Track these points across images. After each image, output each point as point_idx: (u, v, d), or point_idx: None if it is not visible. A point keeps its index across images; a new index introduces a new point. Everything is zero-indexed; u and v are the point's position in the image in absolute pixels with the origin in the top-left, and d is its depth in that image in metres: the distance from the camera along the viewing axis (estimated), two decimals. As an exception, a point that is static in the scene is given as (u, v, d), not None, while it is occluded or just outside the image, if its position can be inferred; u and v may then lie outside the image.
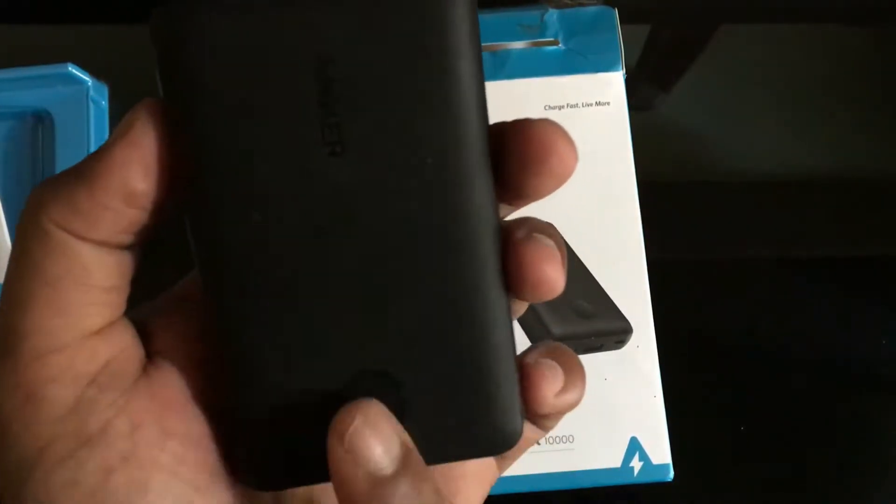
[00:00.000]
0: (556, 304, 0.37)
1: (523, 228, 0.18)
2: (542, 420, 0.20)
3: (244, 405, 0.18)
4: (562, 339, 0.37)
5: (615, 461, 0.36)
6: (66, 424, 0.16)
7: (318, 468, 0.17)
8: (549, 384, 0.19)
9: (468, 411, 0.18)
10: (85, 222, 0.16)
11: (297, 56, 0.16)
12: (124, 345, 0.18)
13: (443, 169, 0.17)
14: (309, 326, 0.17)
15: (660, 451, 0.36)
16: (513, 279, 0.18)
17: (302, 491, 0.20)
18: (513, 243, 0.18)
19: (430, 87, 0.16)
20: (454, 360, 0.18)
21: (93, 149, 0.41)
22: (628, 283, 0.38)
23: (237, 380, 0.17)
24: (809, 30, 0.51)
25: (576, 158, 0.17)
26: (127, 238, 0.17)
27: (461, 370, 0.18)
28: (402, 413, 0.17)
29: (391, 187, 0.17)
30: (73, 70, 0.40)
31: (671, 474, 0.36)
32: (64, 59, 0.40)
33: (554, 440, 0.36)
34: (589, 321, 0.37)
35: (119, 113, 0.43)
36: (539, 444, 0.36)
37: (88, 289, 0.17)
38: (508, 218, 0.20)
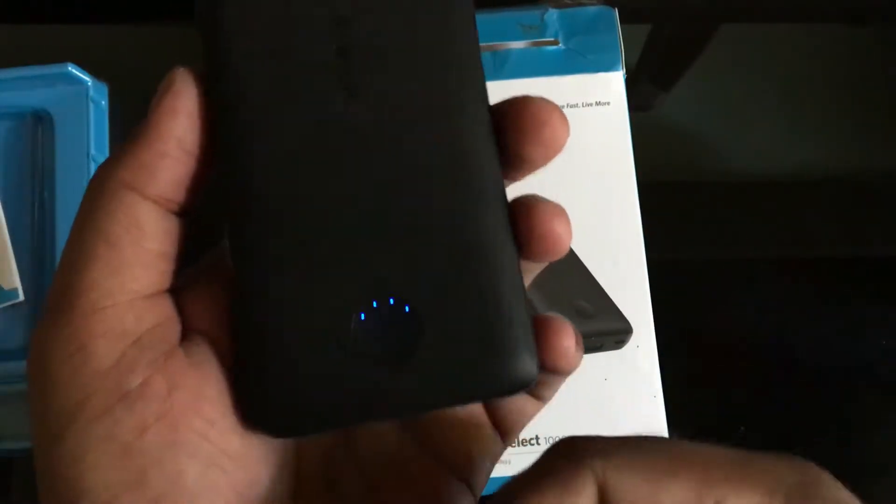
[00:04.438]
0: (556, 305, 0.37)
1: (529, 196, 0.19)
2: (545, 385, 0.21)
3: (258, 338, 0.18)
4: (562, 339, 0.37)
5: (615, 461, 0.36)
6: (108, 379, 0.17)
7: (335, 412, 0.17)
8: (568, 335, 0.19)
9: (484, 347, 0.18)
10: (146, 173, 0.18)
11: (318, 17, 0.18)
12: (168, 314, 0.19)
13: (452, 115, 0.18)
14: (325, 261, 0.18)
15: (660, 451, 0.36)
16: (522, 234, 0.19)
17: (321, 468, 0.20)
18: (522, 202, 0.19)
19: (439, 45, 0.19)
20: (470, 298, 0.18)
21: (93, 149, 0.41)
22: (628, 283, 0.38)
23: (254, 313, 0.18)
24: (809, 30, 0.51)
25: (567, 132, 0.19)
26: (181, 194, 0.18)
27: (477, 306, 0.18)
28: (416, 349, 0.17)
29: (405, 128, 0.18)
30: (73, 70, 0.40)
31: (671, 474, 0.36)
32: (64, 59, 0.40)
33: (554, 440, 0.36)
34: (589, 321, 0.37)
35: (119, 113, 0.43)
36: (539, 444, 0.36)
37: (143, 251, 0.18)
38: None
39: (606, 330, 0.37)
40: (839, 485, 0.16)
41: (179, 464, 0.17)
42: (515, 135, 0.19)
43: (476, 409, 0.21)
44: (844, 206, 0.47)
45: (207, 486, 0.17)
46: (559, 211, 0.19)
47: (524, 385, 0.18)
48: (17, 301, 0.39)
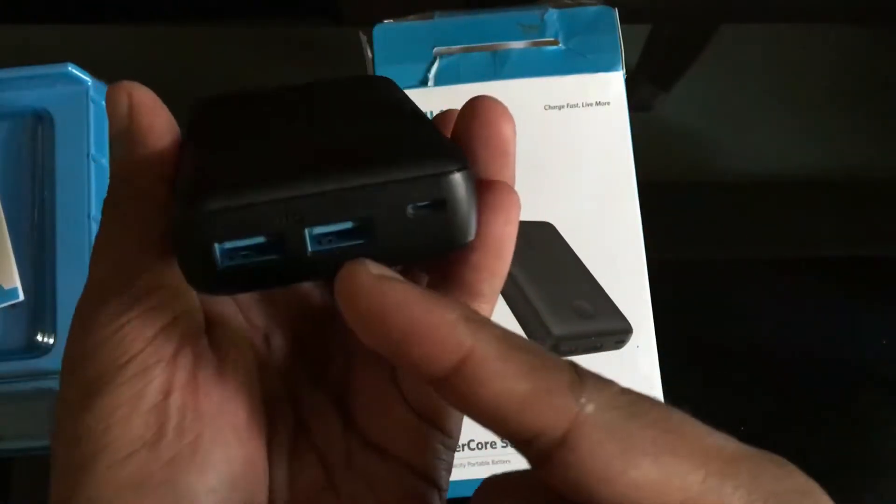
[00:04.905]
0: (556, 304, 0.37)
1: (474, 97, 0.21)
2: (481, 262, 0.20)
3: (195, 185, 0.18)
4: (562, 339, 0.37)
5: (615, 461, 0.36)
6: (148, 345, 0.19)
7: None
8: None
9: (405, 153, 0.18)
10: (161, 166, 0.19)
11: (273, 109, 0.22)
12: (198, 302, 0.20)
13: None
14: (263, 144, 0.19)
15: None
16: (471, 131, 0.19)
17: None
18: (466, 104, 0.20)
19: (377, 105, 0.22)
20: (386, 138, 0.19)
21: (93, 149, 0.41)
22: (628, 283, 0.38)
23: (194, 170, 0.18)
24: (809, 30, 0.51)
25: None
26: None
27: (393, 139, 0.19)
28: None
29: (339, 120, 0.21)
30: (73, 70, 0.40)
31: (671, 474, 0.36)
32: (64, 59, 0.40)
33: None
34: (589, 321, 0.37)
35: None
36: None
37: None
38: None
39: (606, 330, 0.37)
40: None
41: (196, 428, 0.19)
42: (462, 118, 0.20)
43: (396, 398, 0.21)
44: (844, 206, 0.47)
45: (221, 454, 0.19)
46: (502, 109, 0.19)
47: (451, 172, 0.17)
48: (17, 301, 0.39)
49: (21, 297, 0.39)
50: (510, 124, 0.19)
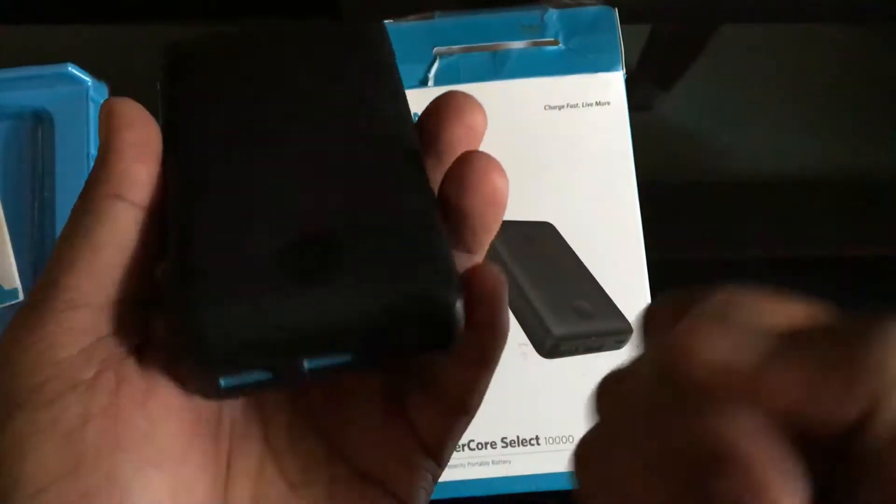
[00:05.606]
0: (556, 305, 0.37)
1: (466, 152, 0.20)
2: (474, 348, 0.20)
3: (187, 272, 0.18)
4: (562, 339, 0.37)
5: (615, 461, 0.36)
6: (64, 368, 0.18)
7: (265, 340, 0.17)
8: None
9: (400, 261, 0.18)
10: (127, 180, 0.19)
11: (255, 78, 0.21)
12: (132, 323, 0.19)
13: (368, 113, 0.21)
14: (248, 203, 0.19)
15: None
16: (462, 187, 0.20)
17: (249, 483, 0.20)
18: (459, 159, 0.20)
19: (363, 87, 0.21)
20: (382, 222, 0.19)
21: (93, 149, 0.41)
22: (628, 283, 0.38)
23: (183, 246, 0.18)
24: (809, 30, 0.51)
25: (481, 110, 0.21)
26: (151, 195, 0.19)
27: (388, 228, 0.18)
28: (337, 269, 0.18)
29: (327, 123, 0.20)
30: (73, 70, 0.40)
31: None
32: (64, 59, 0.40)
33: (554, 440, 0.36)
34: (589, 321, 0.37)
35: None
36: (539, 444, 0.36)
37: (126, 258, 0.19)
38: None
39: (606, 330, 0.37)
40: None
41: (115, 459, 0.18)
42: (434, 113, 0.21)
43: (400, 430, 0.21)
44: (844, 206, 0.47)
45: (142, 485, 0.18)
46: (495, 163, 0.20)
47: (442, 310, 0.18)
48: (17, 301, 0.39)
49: (21, 297, 0.39)
50: (503, 179, 0.20)
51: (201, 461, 0.19)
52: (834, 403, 0.13)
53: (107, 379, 0.18)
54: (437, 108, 0.21)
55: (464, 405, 0.21)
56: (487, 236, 0.21)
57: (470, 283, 0.19)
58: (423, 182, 0.20)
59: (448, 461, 0.22)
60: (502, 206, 0.20)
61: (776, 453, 0.13)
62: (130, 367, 0.19)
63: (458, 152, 0.20)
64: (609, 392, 0.17)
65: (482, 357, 0.20)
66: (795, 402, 0.13)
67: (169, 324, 0.18)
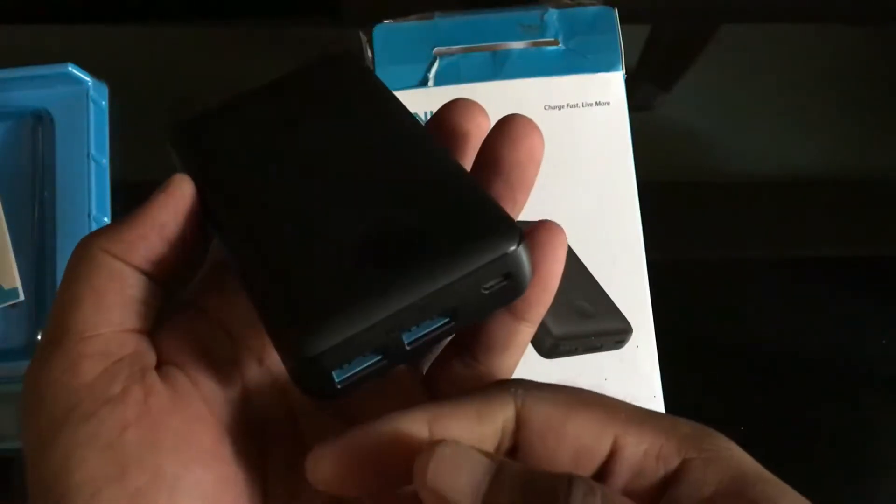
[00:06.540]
0: (556, 305, 0.37)
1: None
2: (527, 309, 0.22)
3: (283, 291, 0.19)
4: (562, 339, 0.37)
5: (615, 461, 0.36)
6: (92, 389, 0.19)
7: (364, 315, 0.18)
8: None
9: (457, 221, 0.20)
10: (125, 247, 0.21)
11: (273, 125, 0.23)
12: (144, 345, 0.21)
13: (394, 137, 0.22)
14: (314, 228, 0.21)
15: (660, 451, 0.36)
16: (502, 161, 0.22)
17: (284, 479, 0.21)
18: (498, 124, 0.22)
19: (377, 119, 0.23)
20: (435, 199, 0.20)
21: (93, 149, 0.41)
22: (628, 283, 0.38)
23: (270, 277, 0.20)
24: (809, 30, 0.51)
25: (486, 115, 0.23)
26: (156, 268, 0.21)
27: (439, 201, 0.20)
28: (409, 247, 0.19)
29: (357, 153, 0.22)
30: (73, 70, 0.40)
31: (671, 474, 0.36)
32: (64, 59, 0.40)
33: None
34: (589, 321, 0.37)
35: (118, 113, 0.43)
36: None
37: (125, 297, 0.21)
38: None
39: (606, 330, 0.37)
40: (733, 443, 0.18)
41: (159, 459, 0.19)
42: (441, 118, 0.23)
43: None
44: (844, 206, 0.47)
45: (187, 481, 0.19)
46: (535, 125, 0.22)
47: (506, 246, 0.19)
48: (17, 301, 0.39)
49: (21, 297, 0.39)
50: (540, 139, 0.22)
51: (237, 458, 0.21)
52: None
53: (135, 392, 0.20)
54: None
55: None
56: (523, 195, 0.23)
57: (533, 232, 0.21)
58: (453, 164, 0.21)
59: None
60: (538, 164, 0.22)
61: None
62: (154, 380, 0.20)
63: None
64: None
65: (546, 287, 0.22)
66: None
67: (283, 348, 0.19)
